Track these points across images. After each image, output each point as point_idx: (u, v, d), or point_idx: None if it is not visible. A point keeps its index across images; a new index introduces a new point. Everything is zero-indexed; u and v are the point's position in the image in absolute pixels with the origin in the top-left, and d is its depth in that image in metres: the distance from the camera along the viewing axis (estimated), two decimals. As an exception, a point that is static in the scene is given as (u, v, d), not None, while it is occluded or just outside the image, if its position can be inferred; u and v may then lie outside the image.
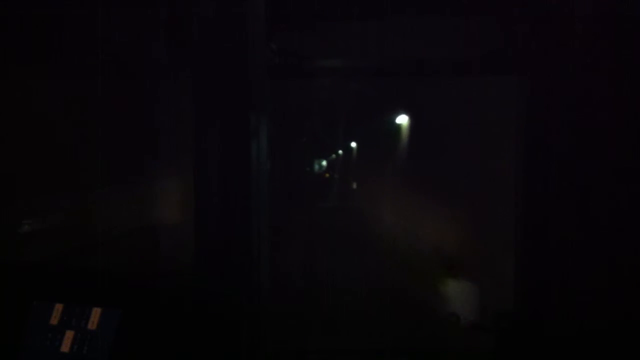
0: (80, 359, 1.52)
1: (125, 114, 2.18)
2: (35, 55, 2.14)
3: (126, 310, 1.54)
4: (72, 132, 2.18)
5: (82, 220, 2.23)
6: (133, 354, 1.52)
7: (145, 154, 2.13)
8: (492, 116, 3.03)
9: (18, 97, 2.12)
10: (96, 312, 1.55)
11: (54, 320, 1.57)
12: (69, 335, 1.54)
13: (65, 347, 1.53)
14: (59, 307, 1.57)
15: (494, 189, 2.95)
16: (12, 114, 2.11)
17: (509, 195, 2.26)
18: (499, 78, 2.60)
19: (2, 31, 1.96)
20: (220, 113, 1.76)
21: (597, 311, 1.87)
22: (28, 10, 1.96)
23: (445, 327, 2.44)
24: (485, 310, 2.42)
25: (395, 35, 2.14)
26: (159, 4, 1.98)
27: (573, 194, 1.92)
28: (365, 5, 2.10)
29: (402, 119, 6.41)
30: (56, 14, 2.04)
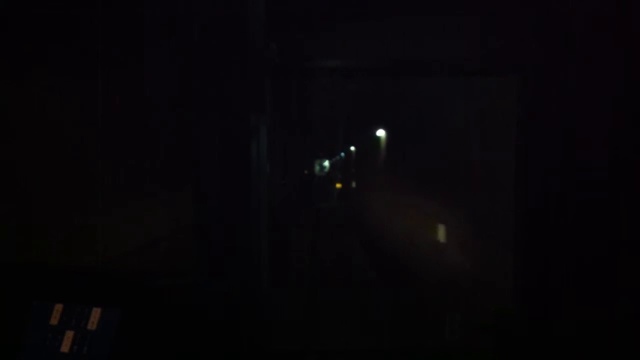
0: (80, 359, 1.52)
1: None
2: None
3: (126, 310, 1.54)
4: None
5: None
6: (133, 354, 1.51)
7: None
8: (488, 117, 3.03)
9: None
10: (96, 312, 1.55)
11: (54, 320, 1.56)
12: (69, 335, 1.54)
13: (65, 347, 1.53)
14: (59, 307, 1.57)
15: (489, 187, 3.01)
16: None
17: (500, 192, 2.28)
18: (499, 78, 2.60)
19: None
20: (220, 113, 1.77)
21: (597, 310, 1.87)
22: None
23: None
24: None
25: (395, 35, 2.13)
26: (160, 4, 1.99)
27: (573, 192, 1.92)
28: (365, 5, 2.10)
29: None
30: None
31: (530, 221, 2.03)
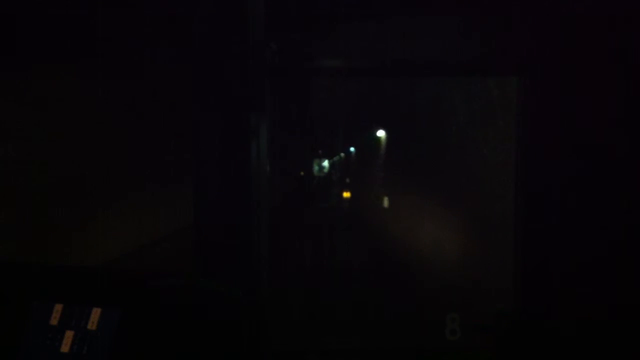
0: (80, 359, 1.52)
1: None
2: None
3: (126, 310, 1.54)
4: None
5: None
6: (133, 354, 1.51)
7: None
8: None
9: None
10: (96, 312, 1.55)
11: (53, 320, 1.56)
12: (69, 335, 1.54)
13: (65, 347, 1.53)
14: (58, 307, 1.57)
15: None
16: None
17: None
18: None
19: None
20: (220, 113, 1.77)
21: (597, 310, 1.87)
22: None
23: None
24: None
25: (395, 35, 2.13)
26: (160, 4, 1.99)
27: (573, 193, 1.92)
28: (365, 5, 2.10)
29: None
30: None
31: (530, 221, 2.03)
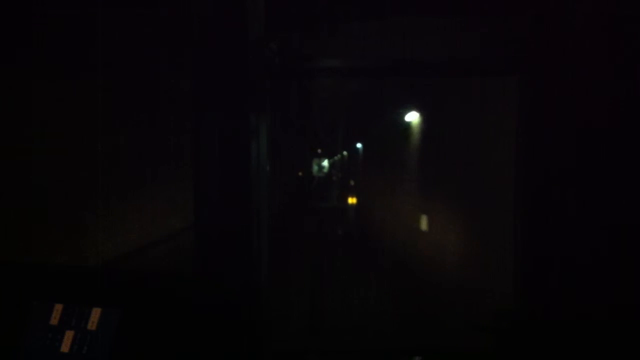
0: (80, 359, 1.52)
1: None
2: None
3: (126, 310, 1.54)
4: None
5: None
6: (133, 354, 1.52)
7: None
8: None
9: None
10: (96, 312, 1.55)
11: (54, 320, 1.57)
12: (69, 335, 1.54)
13: (65, 347, 1.53)
14: (58, 307, 1.57)
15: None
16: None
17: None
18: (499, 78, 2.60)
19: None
20: (220, 113, 1.77)
21: (598, 310, 1.87)
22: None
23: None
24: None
25: (396, 35, 2.14)
26: (160, 4, 1.99)
27: (573, 192, 1.92)
28: (365, 5, 2.10)
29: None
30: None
31: (530, 221, 2.03)
